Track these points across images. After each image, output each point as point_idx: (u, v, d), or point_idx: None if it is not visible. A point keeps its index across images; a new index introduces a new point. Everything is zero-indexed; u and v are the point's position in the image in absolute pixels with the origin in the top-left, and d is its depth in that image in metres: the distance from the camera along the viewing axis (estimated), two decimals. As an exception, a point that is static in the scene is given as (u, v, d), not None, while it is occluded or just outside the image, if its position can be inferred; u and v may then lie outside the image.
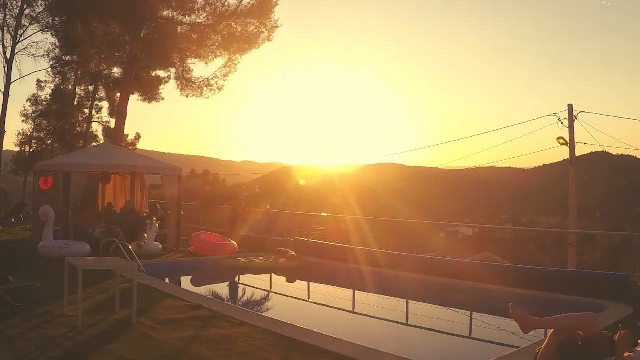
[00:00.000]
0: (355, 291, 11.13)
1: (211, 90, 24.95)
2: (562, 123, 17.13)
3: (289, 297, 10.98)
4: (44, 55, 28.83)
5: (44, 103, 32.31)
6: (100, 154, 15.08)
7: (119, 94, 27.70)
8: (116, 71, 29.64)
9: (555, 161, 61.80)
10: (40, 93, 32.11)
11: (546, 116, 17.54)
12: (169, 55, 23.84)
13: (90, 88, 32.73)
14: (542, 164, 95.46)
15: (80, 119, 33.50)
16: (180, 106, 79.04)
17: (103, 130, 33.26)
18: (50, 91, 32.08)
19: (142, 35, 23.23)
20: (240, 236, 15.28)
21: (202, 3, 23.08)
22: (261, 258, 12.69)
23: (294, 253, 12.72)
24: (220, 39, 23.40)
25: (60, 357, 5.03)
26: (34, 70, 42.70)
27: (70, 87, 32.34)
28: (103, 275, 8.82)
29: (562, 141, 16.99)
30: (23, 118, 32.57)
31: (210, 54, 23.82)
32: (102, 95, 32.64)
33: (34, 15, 26.49)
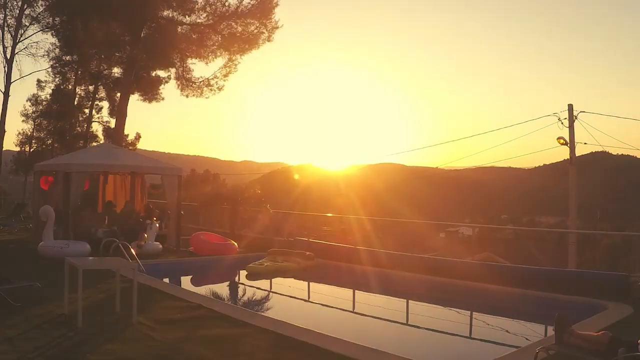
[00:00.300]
0: (356, 291, 11.13)
1: (211, 90, 24.94)
2: (562, 123, 17.11)
3: (289, 296, 10.98)
4: (44, 55, 28.91)
5: (44, 103, 32.37)
6: (100, 154, 15.07)
7: (119, 94, 27.68)
8: (116, 71, 29.68)
9: (555, 161, 61.87)
10: (40, 93, 32.22)
11: (546, 116, 17.52)
12: (169, 55, 23.82)
13: (90, 88, 32.75)
14: (542, 164, 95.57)
15: (80, 119, 33.54)
16: (180, 106, 79.15)
17: (103, 130, 33.32)
18: (50, 91, 32.18)
19: (142, 35, 23.21)
20: (240, 236, 15.28)
21: (202, 3, 23.07)
22: (280, 259, 12.30)
23: (310, 253, 12.54)
24: (220, 39, 23.38)
25: (60, 357, 5.03)
26: (34, 70, 42.89)
27: (70, 87, 32.37)
28: (103, 275, 8.82)
29: (562, 141, 16.97)
30: (23, 118, 32.68)
31: (210, 54, 23.80)
32: (102, 95, 32.71)
33: (34, 15, 26.51)
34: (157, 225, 13.78)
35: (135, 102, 27.84)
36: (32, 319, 6.32)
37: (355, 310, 9.62)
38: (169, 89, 65.17)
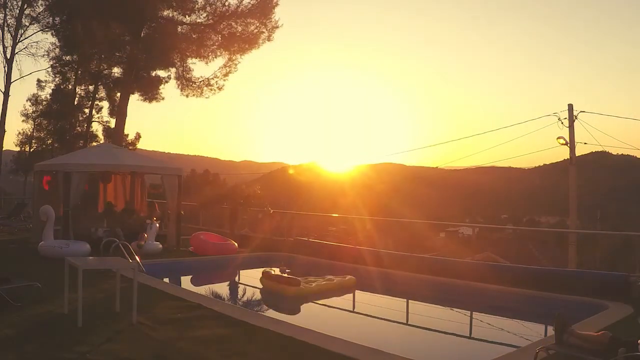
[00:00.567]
0: (356, 291, 11.13)
1: (211, 90, 24.95)
2: (562, 123, 17.15)
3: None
4: (44, 55, 28.99)
5: (44, 103, 32.38)
6: (100, 153, 15.06)
7: (119, 94, 27.70)
8: (116, 71, 29.70)
9: (555, 161, 61.80)
10: (40, 93, 32.23)
11: (546, 116, 17.55)
12: (169, 55, 23.84)
13: (90, 88, 32.76)
14: (542, 164, 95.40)
15: (80, 118, 33.54)
16: (180, 106, 79.08)
17: (103, 130, 33.34)
18: (50, 91, 32.20)
19: (142, 35, 23.23)
20: (240, 236, 15.28)
21: (202, 3, 23.08)
22: (319, 280, 10.27)
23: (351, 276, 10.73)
24: (220, 38, 23.39)
25: (59, 357, 5.02)
26: (34, 70, 42.95)
27: (70, 86, 32.39)
28: (103, 275, 8.82)
29: (562, 141, 16.99)
30: (23, 118, 32.71)
31: (210, 53, 23.81)
32: (102, 95, 32.72)
33: (34, 15, 26.57)
34: (157, 225, 13.78)
35: (135, 102, 27.92)
36: (32, 318, 6.31)
37: (355, 310, 9.62)
38: (169, 89, 65.25)
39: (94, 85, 32.39)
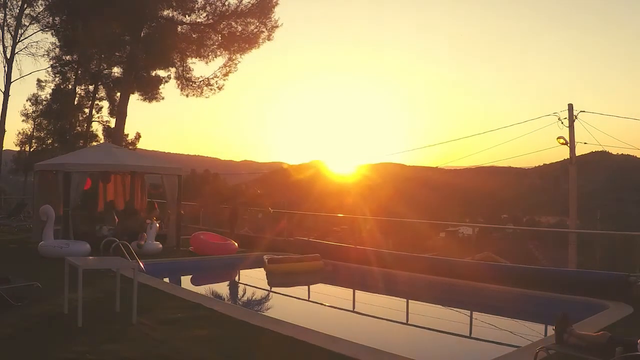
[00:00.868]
0: (356, 290, 11.14)
1: (211, 89, 24.93)
2: (562, 123, 17.17)
3: (289, 296, 10.99)
4: (44, 54, 28.98)
5: (44, 102, 32.35)
6: (100, 153, 15.07)
7: (119, 94, 27.68)
8: (116, 71, 29.68)
9: (555, 161, 61.79)
10: (40, 93, 32.20)
11: (546, 116, 17.59)
12: (169, 55, 23.81)
13: (90, 88, 32.74)
14: (542, 164, 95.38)
15: (80, 118, 33.52)
16: (180, 106, 79.03)
17: (103, 130, 33.30)
18: (50, 91, 32.16)
19: (142, 35, 23.22)
20: (240, 235, 15.28)
21: (202, 3, 23.06)
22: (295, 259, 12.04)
23: (317, 254, 12.30)
24: (220, 38, 23.38)
25: (59, 356, 5.02)
26: (34, 69, 42.91)
27: (70, 86, 32.36)
28: (103, 275, 8.82)
29: (562, 141, 17.00)
30: (23, 117, 32.68)
31: (210, 53, 23.79)
32: (102, 94, 32.68)
33: (34, 15, 26.55)
34: (157, 225, 13.79)
35: (135, 101, 27.89)
36: (32, 318, 6.31)
37: (355, 310, 9.62)
38: (169, 89, 65.20)
39: (94, 85, 32.37)
